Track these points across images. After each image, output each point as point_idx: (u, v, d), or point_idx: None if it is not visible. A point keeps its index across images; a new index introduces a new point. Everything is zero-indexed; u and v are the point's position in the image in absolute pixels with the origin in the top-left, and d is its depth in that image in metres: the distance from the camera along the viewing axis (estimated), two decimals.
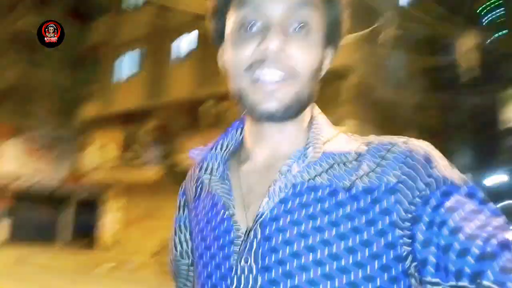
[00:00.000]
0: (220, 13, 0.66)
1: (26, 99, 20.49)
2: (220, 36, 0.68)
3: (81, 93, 17.08)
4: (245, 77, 0.61)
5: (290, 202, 0.59)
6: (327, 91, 7.09)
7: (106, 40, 15.38)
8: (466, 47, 7.99)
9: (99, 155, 14.66)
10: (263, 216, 0.59)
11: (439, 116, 12.08)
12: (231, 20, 0.63)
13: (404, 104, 11.26)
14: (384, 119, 10.43)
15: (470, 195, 0.54)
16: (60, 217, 18.61)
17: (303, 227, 0.57)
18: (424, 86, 12.44)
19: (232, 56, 0.63)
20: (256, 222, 0.59)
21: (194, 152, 0.75)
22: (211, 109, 10.64)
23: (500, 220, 0.51)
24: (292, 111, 0.62)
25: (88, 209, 18.39)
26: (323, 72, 0.68)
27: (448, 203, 0.52)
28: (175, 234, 0.81)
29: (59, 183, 20.28)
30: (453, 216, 0.51)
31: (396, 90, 10.62)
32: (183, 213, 0.80)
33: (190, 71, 11.75)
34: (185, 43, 12.16)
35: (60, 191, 20.23)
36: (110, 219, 14.56)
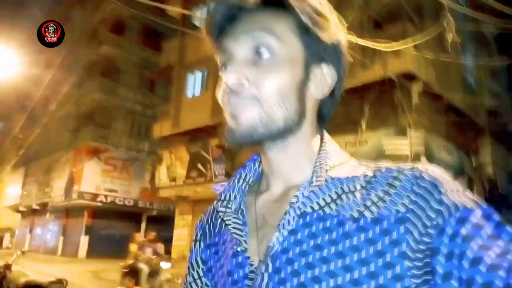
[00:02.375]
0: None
1: (104, 122, 21.96)
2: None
3: (155, 113, 17.98)
4: (223, 110, 0.66)
5: (299, 233, 0.60)
6: (391, 99, 6.91)
7: (175, 62, 16.15)
8: None
9: (168, 173, 15.25)
10: (274, 250, 0.60)
11: None
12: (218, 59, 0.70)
13: (475, 111, 10.63)
14: (452, 127, 9.90)
15: (485, 218, 0.53)
16: (135, 231, 19.42)
17: (310, 258, 0.57)
18: (496, 90, 11.68)
19: (216, 94, 0.67)
20: (267, 255, 0.60)
21: (217, 187, 0.76)
22: None
23: None
24: (266, 134, 0.62)
25: (159, 225, 19.08)
26: (322, 92, 0.68)
27: (463, 231, 0.51)
28: (188, 270, 0.80)
29: (133, 200, 21.33)
30: (471, 245, 0.49)
31: (466, 95, 10.07)
32: (199, 248, 0.78)
33: None
34: None
35: (134, 208, 21.23)
36: (177, 236, 15.01)
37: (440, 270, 0.51)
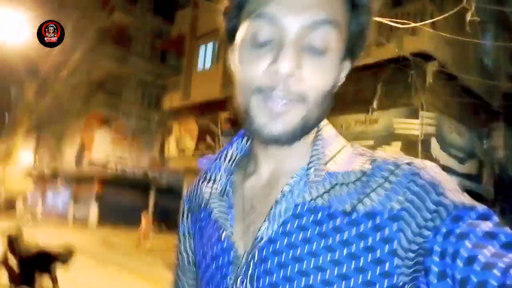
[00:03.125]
0: (235, 12, 0.63)
1: (115, 91, 22.01)
2: (232, 36, 0.64)
3: (165, 83, 17.96)
4: (253, 98, 0.57)
5: (289, 224, 0.58)
6: (405, 78, 6.78)
7: (187, 33, 16.00)
8: None
9: (177, 144, 15.35)
10: (262, 240, 0.58)
11: None
12: (244, 28, 0.59)
13: (490, 93, 10.44)
14: (466, 109, 9.76)
15: (482, 218, 0.50)
16: (142, 202, 19.74)
17: (298, 251, 0.56)
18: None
19: (241, 72, 0.59)
20: (255, 244, 0.59)
21: (202, 161, 0.74)
22: None
23: None
24: (298, 135, 0.58)
25: (168, 195, 19.32)
26: (338, 85, 0.64)
27: (458, 230, 0.49)
28: (179, 240, 0.80)
29: (142, 170, 21.57)
30: (465, 244, 0.48)
31: (482, 77, 9.87)
32: (186, 221, 0.78)
33: None
34: None
35: (143, 178, 21.49)
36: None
37: (435, 269, 0.50)
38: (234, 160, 0.71)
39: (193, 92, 14.82)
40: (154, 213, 21.80)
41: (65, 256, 5.01)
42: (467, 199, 0.53)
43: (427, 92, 8.33)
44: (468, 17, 5.14)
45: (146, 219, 14.80)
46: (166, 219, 18.64)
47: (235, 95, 0.61)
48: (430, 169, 0.57)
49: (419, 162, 0.58)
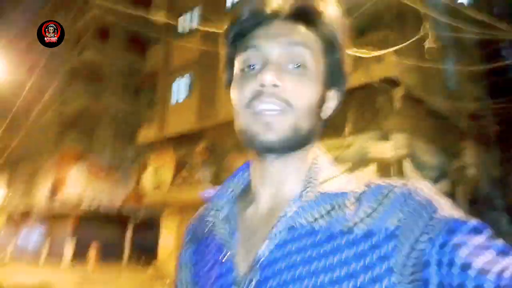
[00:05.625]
0: (230, 63, 0.71)
1: (90, 126, 21.77)
2: (230, 82, 0.72)
3: (139, 119, 17.89)
4: (245, 112, 0.64)
5: (288, 246, 0.61)
6: (374, 104, 7.00)
7: (161, 67, 16.12)
8: None
9: (155, 177, 15.19)
10: (261, 259, 0.61)
11: (495, 125, 11.47)
12: (237, 63, 0.69)
13: (457, 114, 10.81)
14: (435, 130, 10.06)
15: (477, 231, 0.53)
16: (120, 236, 19.26)
17: (298, 271, 0.58)
18: (478, 93, 11.90)
19: (236, 95, 0.67)
20: (255, 264, 0.61)
21: (207, 192, 0.77)
22: None
23: (511, 257, 0.49)
24: (291, 143, 0.63)
25: (146, 229, 18.92)
26: (327, 112, 0.70)
27: (452, 241, 0.52)
28: (178, 271, 0.82)
29: (120, 204, 21.15)
30: (460, 252, 0.50)
31: (448, 99, 10.24)
32: (186, 251, 0.80)
33: None
34: None
35: (121, 212, 21.04)
36: (164, 240, 14.95)
37: (433, 280, 0.51)
38: (236, 191, 0.75)
39: (168, 125, 14.81)
40: (132, 248, 21.29)
41: None
42: (459, 214, 0.55)
43: (396, 116, 8.58)
44: (427, 44, 5.42)
45: (93, 251, 14.60)
46: (144, 254, 18.21)
47: (234, 119, 0.68)
48: (421, 190, 0.59)
49: (412, 183, 0.61)
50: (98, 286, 13.01)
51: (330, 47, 0.67)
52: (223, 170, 12.32)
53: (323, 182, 0.65)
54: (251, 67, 0.65)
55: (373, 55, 6.42)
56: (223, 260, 0.66)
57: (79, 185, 20.99)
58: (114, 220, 21.24)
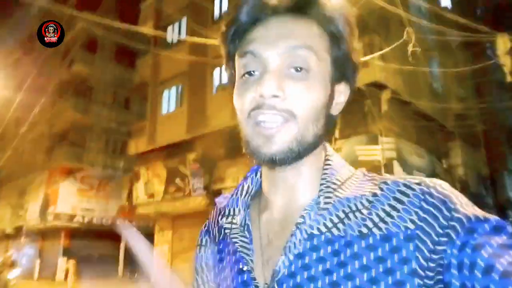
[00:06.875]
0: (231, 61, 0.68)
1: (79, 141, 21.63)
2: (233, 81, 0.69)
3: (130, 130, 17.84)
4: (247, 123, 0.62)
5: (307, 257, 0.58)
6: (362, 108, 7.12)
7: (150, 78, 16.15)
8: (502, 51, 7.79)
9: (146, 190, 15.14)
10: (280, 274, 0.58)
11: (481, 124, 11.67)
12: (236, 68, 0.66)
13: (444, 115, 10.99)
14: (422, 132, 10.21)
15: (497, 229, 0.51)
16: (113, 252, 19.07)
17: (320, 283, 0.55)
18: (463, 94, 12.11)
19: (237, 103, 0.64)
20: (274, 279, 0.59)
21: (220, 199, 0.75)
22: None
23: None
24: (295, 154, 0.60)
25: None
26: (337, 109, 0.67)
27: (473, 241, 0.50)
28: (196, 274, 0.79)
29: (111, 219, 20.96)
30: (481, 254, 0.48)
31: (434, 101, 10.42)
32: (204, 254, 0.77)
33: (227, 101, 12.01)
34: (221, 74, 12.54)
35: (112, 227, 20.81)
36: (158, 252, 14.85)
37: (455, 282, 0.50)
38: (250, 194, 0.73)
39: (159, 136, 14.81)
40: (126, 263, 21.10)
41: None
42: (479, 212, 0.53)
43: (383, 118, 8.73)
44: (410, 48, 5.53)
45: (71, 268, 14.64)
46: (139, 268, 18.07)
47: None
48: (439, 187, 0.57)
49: (428, 181, 0.59)
50: None
51: (336, 39, 0.63)
52: (215, 179, 12.35)
53: (340, 185, 0.63)
54: (251, 73, 0.62)
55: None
56: (242, 270, 0.64)
57: (71, 200, 20.81)
58: (108, 233, 21.04)
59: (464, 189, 11.54)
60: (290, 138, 0.59)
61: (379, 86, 8.66)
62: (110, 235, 21.24)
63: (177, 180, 13.84)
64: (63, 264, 20.18)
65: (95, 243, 20.86)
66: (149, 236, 15.90)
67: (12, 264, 14.35)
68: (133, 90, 18.87)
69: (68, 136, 21.44)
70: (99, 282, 16.52)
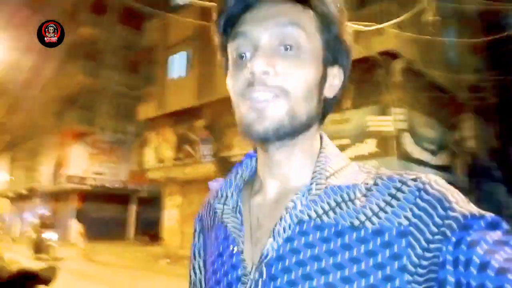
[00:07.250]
0: (225, 50, 0.68)
1: (89, 105, 21.74)
2: (228, 68, 0.69)
3: (138, 96, 17.83)
4: (240, 102, 0.62)
5: (296, 241, 0.58)
6: (373, 77, 7.01)
7: (157, 43, 15.97)
8: None
9: (155, 155, 15.27)
10: (268, 256, 0.59)
11: (494, 97, 11.45)
12: (229, 53, 0.66)
13: (456, 86, 10.79)
14: (434, 103, 10.07)
15: (492, 226, 0.51)
16: (123, 215, 19.51)
17: (308, 268, 0.55)
18: (477, 65, 11.84)
19: (230, 86, 0.65)
20: (262, 261, 0.59)
21: (213, 183, 0.76)
22: None
23: None
24: (288, 130, 0.60)
25: (149, 207, 19.13)
26: (331, 91, 0.67)
27: (469, 238, 0.49)
28: (193, 258, 0.81)
29: (122, 183, 21.33)
30: (476, 250, 0.48)
31: (447, 72, 10.21)
32: (198, 241, 0.80)
33: None
34: None
35: (123, 190, 21.19)
36: (167, 216, 15.14)
37: (450, 279, 0.49)
38: (244, 178, 0.74)
39: (168, 101, 14.79)
40: (136, 226, 21.60)
41: (48, 275, 4.95)
42: (474, 209, 0.53)
43: (396, 89, 8.59)
44: (429, 16, 5.36)
45: (81, 230, 15.13)
46: (149, 231, 18.50)
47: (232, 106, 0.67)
48: (435, 183, 0.57)
49: (424, 177, 0.58)
50: (98, 265, 13.30)
51: (326, 22, 0.63)
52: (223, 146, 12.40)
53: (333, 173, 0.63)
54: (242, 56, 0.63)
55: (373, 28, 6.37)
56: (232, 253, 0.65)
57: (82, 163, 21.11)
58: (118, 196, 21.45)
59: (473, 161, 11.48)
60: (282, 113, 0.59)
61: (392, 55, 8.48)
62: (121, 199, 21.78)
63: (187, 146, 13.92)
64: (76, 225, 20.76)
65: (106, 206, 21.32)
66: (159, 200, 16.21)
67: (48, 225, 14.99)
68: (142, 54, 18.69)
69: (79, 100, 21.52)
70: (110, 243, 16.99)
